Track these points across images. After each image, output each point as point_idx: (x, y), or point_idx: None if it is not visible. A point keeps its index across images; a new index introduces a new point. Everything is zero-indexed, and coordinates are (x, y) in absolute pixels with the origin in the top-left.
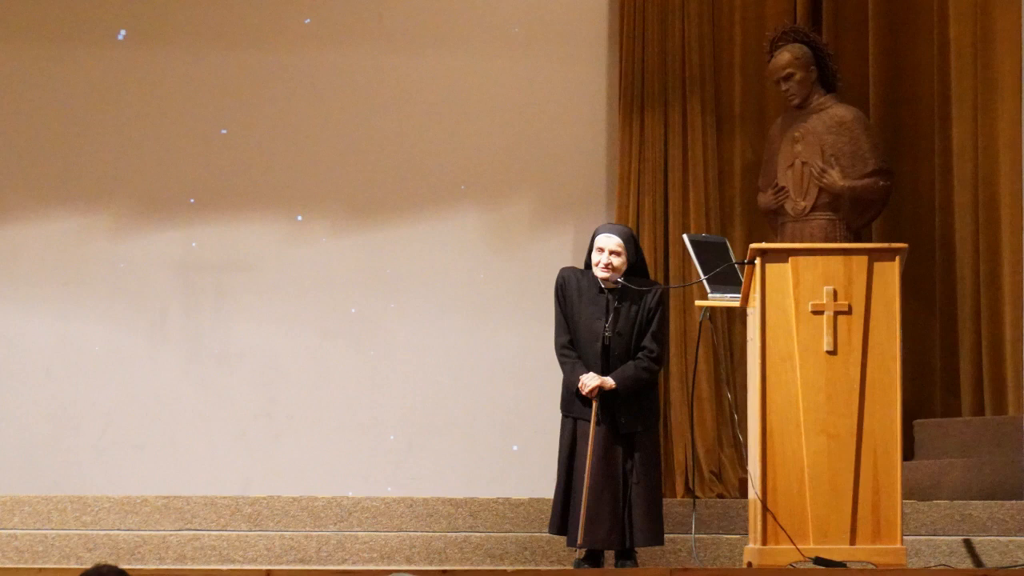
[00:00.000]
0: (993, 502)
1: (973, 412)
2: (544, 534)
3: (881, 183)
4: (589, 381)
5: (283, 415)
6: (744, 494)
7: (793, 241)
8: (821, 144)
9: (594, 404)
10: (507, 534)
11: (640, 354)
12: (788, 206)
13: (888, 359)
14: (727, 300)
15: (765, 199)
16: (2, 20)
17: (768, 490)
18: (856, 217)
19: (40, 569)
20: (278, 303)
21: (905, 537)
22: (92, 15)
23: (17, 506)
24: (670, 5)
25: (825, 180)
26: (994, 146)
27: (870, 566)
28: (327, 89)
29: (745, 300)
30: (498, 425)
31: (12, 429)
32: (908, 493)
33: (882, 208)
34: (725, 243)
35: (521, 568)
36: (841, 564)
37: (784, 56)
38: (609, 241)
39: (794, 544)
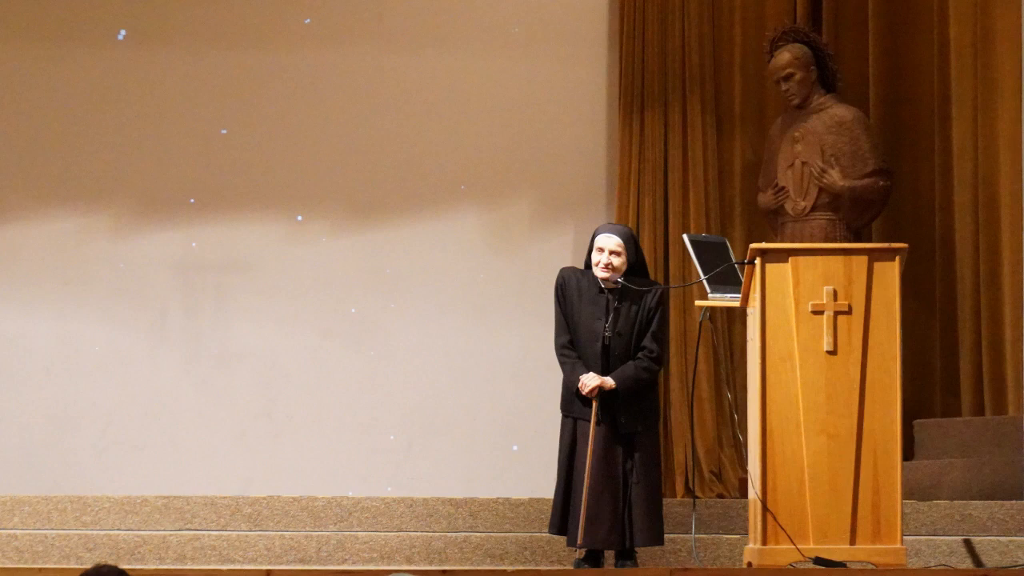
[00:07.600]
0: (993, 502)
1: (973, 412)
2: (544, 534)
3: (881, 183)
4: (589, 381)
5: (283, 415)
6: (744, 494)
7: (793, 241)
8: (821, 144)
9: (594, 404)
10: (507, 534)
11: (640, 354)
12: (788, 206)
13: (888, 359)
14: (727, 300)
15: (765, 199)
16: (2, 20)
17: (768, 490)
18: (856, 217)
19: (40, 569)
20: (278, 303)
21: (905, 537)
22: (92, 15)
23: (17, 506)
24: (670, 5)
25: (825, 180)
26: (994, 146)
27: (870, 566)
28: (327, 89)
29: (745, 300)
30: (498, 425)
31: (12, 429)
32: (908, 493)
33: (882, 208)
34: (725, 243)
35: (521, 568)
36: (841, 564)
37: (784, 56)
38: (609, 241)
39: (794, 544)
